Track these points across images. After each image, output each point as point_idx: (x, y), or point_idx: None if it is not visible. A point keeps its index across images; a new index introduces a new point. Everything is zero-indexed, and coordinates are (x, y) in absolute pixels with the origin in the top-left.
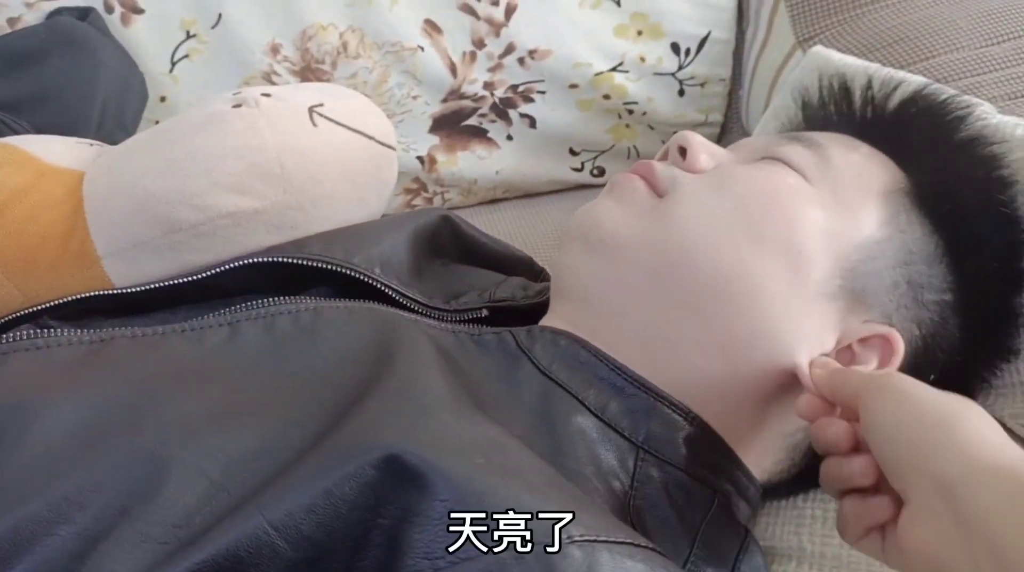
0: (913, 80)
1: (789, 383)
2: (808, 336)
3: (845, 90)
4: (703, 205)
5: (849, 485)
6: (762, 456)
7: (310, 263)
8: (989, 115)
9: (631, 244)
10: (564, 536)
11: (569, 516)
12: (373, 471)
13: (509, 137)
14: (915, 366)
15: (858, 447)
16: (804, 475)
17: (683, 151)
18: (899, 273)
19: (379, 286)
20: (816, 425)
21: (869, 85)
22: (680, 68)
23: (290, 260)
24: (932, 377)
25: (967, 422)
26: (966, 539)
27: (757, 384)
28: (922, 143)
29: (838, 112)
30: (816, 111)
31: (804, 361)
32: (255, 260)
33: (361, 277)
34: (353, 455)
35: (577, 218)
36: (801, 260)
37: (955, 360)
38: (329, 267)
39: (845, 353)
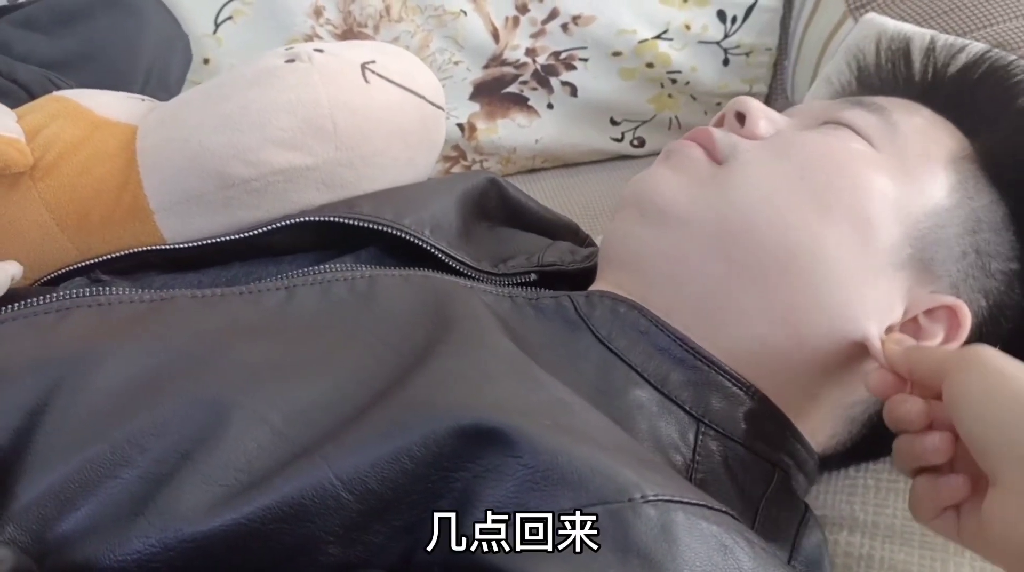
0: (975, 45)
1: (852, 355)
2: (876, 306)
3: (905, 53)
4: (765, 172)
5: (922, 463)
6: (819, 427)
7: (361, 223)
8: None
9: (690, 215)
10: (638, 495)
11: (641, 475)
12: (447, 437)
13: (550, 105)
14: (980, 336)
15: (932, 424)
16: (859, 448)
17: (740, 117)
18: (967, 241)
19: (428, 248)
20: (891, 401)
21: (931, 48)
22: (726, 36)
23: (342, 220)
24: (997, 347)
25: None
26: None
27: (821, 355)
28: (986, 108)
29: (896, 76)
30: (873, 75)
31: (873, 332)
32: (307, 219)
33: (411, 239)
34: (423, 417)
35: (633, 186)
36: (869, 228)
37: (1021, 329)
38: (380, 228)
39: (910, 326)
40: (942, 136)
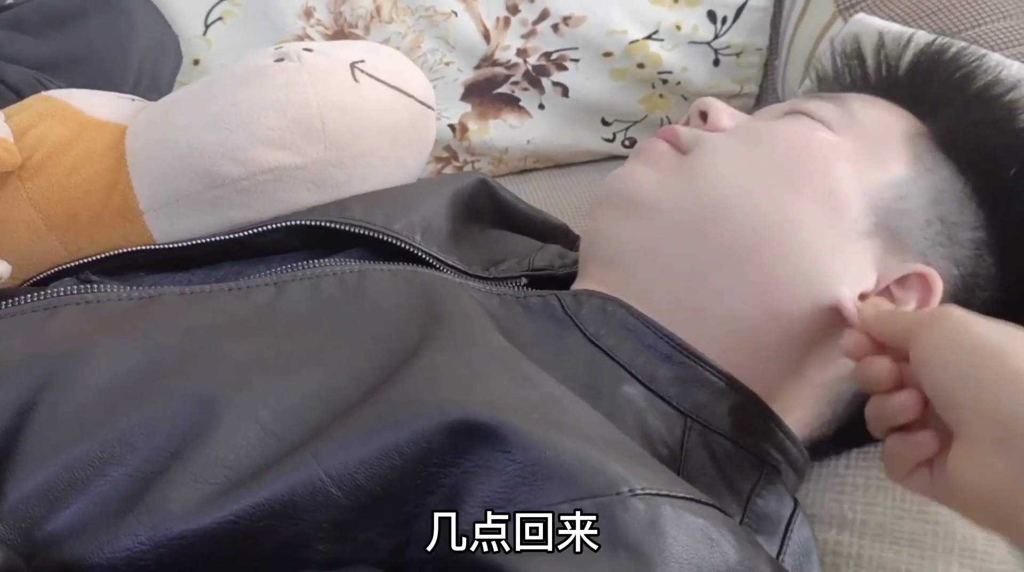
0: (919, 36)
1: (829, 327)
2: (847, 273)
3: (858, 54)
4: (729, 155)
5: (893, 422)
6: (804, 410)
7: (352, 229)
8: None
9: (660, 202)
10: (626, 488)
11: (630, 469)
12: (436, 434)
13: (541, 106)
14: (956, 305)
15: (902, 385)
16: (845, 432)
17: (704, 115)
18: (931, 211)
19: (419, 253)
20: (862, 363)
21: (881, 44)
22: (716, 37)
23: (332, 224)
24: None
25: (1022, 354)
26: (1023, 473)
27: (799, 327)
28: (938, 95)
29: (852, 77)
30: (832, 80)
31: (845, 295)
32: (298, 222)
33: (402, 245)
34: (413, 414)
35: (605, 183)
36: (833, 199)
37: (997, 297)
38: (371, 234)
39: (884, 296)
40: (897, 120)
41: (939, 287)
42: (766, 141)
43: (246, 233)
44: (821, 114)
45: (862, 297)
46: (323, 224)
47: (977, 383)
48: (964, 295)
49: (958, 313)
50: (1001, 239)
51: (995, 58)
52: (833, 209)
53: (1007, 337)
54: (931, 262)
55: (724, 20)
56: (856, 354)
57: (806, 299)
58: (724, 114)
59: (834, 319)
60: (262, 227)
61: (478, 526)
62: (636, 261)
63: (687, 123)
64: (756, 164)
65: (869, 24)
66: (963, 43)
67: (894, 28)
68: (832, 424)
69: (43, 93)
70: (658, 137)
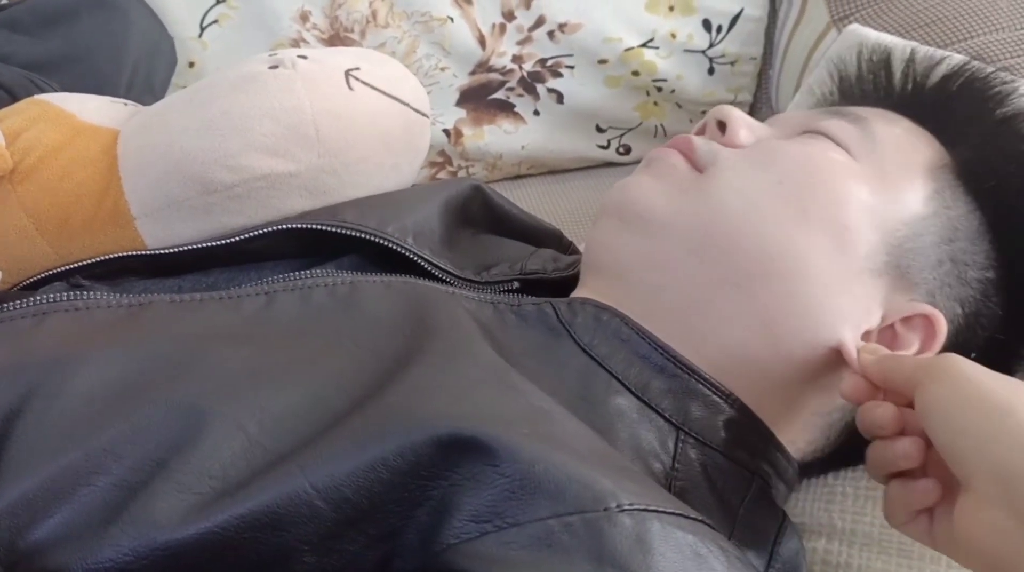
0: (954, 56)
1: (830, 361)
2: (853, 312)
3: (885, 64)
4: (745, 180)
5: (894, 468)
6: (798, 435)
7: (344, 231)
8: None
9: (671, 221)
10: (614, 504)
11: (618, 484)
12: (424, 447)
13: (536, 112)
14: (956, 344)
15: (904, 431)
16: (837, 454)
17: (721, 126)
18: (943, 250)
19: (411, 256)
20: (864, 407)
21: (911, 59)
22: (711, 46)
23: (324, 227)
24: (973, 355)
25: None
26: None
27: (799, 361)
28: (964, 119)
29: (876, 86)
30: (854, 85)
31: (849, 338)
32: (290, 226)
33: (395, 247)
34: (401, 427)
35: (613, 194)
36: (847, 235)
37: (997, 338)
38: (363, 236)
39: (887, 333)
40: (920, 146)
41: (944, 330)
42: (781, 165)
43: (237, 238)
44: (840, 136)
45: (865, 334)
46: (315, 227)
47: (984, 438)
48: (966, 334)
49: (964, 364)
50: (1011, 278)
51: None
52: (845, 244)
53: (1012, 391)
54: (937, 302)
55: (719, 29)
56: (857, 399)
57: (809, 336)
58: (743, 127)
59: (835, 356)
60: (254, 232)
61: (464, 538)
62: (640, 277)
63: (702, 131)
64: (769, 191)
65: (863, 35)
66: (995, 67)
67: (887, 39)
68: (824, 450)
69: (36, 97)
70: (672, 147)
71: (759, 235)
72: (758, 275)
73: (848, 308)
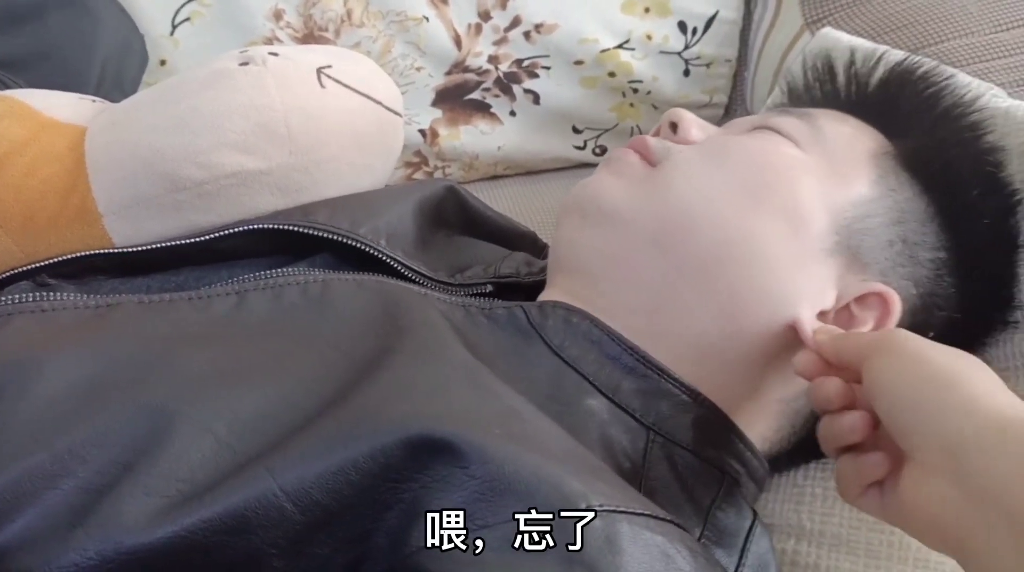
0: (891, 55)
1: (789, 344)
2: (808, 291)
3: (829, 68)
4: (697, 169)
5: (842, 441)
6: (764, 424)
7: (317, 233)
8: (1000, 99)
9: (629, 213)
10: (583, 505)
11: (588, 485)
12: (395, 449)
13: (512, 113)
14: (913, 324)
15: (853, 406)
16: (804, 445)
17: (674, 126)
18: (893, 231)
19: (384, 258)
20: (814, 382)
21: (852, 61)
22: (686, 47)
23: (296, 228)
24: (931, 334)
25: (972, 380)
26: (974, 500)
27: (760, 343)
28: (907, 113)
29: (824, 92)
30: (802, 93)
31: (804, 316)
32: (261, 226)
33: (367, 249)
34: (371, 429)
35: (574, 192)
36: (797, 217)
37: (954, 318)
38: (335, 238)
39: (843, 314)
40: (865, 138)
41: (897, 308)
42: (733, 156)
43: (208, 237)
44: (788, 130)
45: (822, 314)
46: (287, 228)
47: (928, 410)
48: (922, 315)
49: (909, 338)
50: (961, 260)
51: (963, 79)
52: (797, 226)
53: (957, 364)
54: (891, 281)
55: (694, 31)
56: (808, 374)
57: (767, 316)
58: (694, 126)
59: (793, 337)
60: (224, 231)
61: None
62: (602, 270)
63: (657, 133)
64: (722, 179)
65: (835, 38)
66: (933, 62)
67: (859, 42)
68: (791, 439)
69: (1, 93)
70: (628, 147)
71: (713, 221)
72: (714, 260)
73: (802, 287)
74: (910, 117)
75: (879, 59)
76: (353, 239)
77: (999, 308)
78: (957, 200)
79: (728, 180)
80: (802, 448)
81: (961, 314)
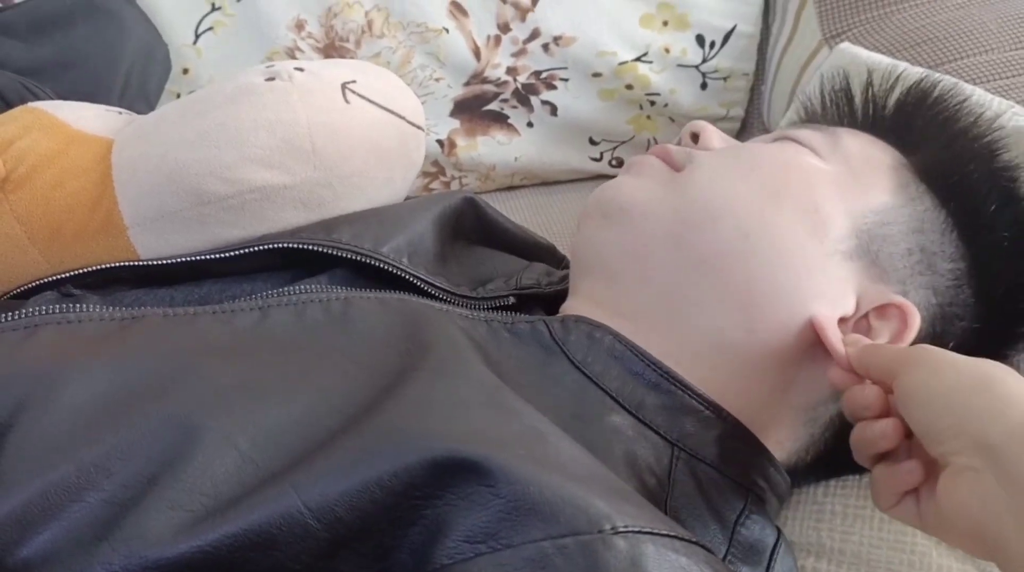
0: (909, 73)
1: (807, 348)
2: (826, 292)
3: (845, 89)
4: (719, 168)
5: (875, 449)
6: (782, 432)
7: (339, 253)
8: (1021, 116)
9: (649, 209)
10: (608, 526)
11: (613, 506)
12: (419, 468)
13: (530, 124)
14: (934, 333)
15: (887, 414)
16: (825, 457)
17: (695, 137)
18: (912, 240)
19: (406, 277)
20: (850, 391)
21: (869, 82)
22: (704, 61)
23: (319, 248)
24: (951, 345)
25: (1006, 381)
26: (1011, 496)
27: (777, 342)
28: (923, 133)
29: (840, 114)
30: (819, 116)
31: (823, 314)
32: (284, 245)
33: (390, 269)
34: (395, 447)
35: (594, 195)
36: (817, 217)
37: (973, 327)
38: (359, 259)
39: (861, 324)
40: (882, 152)
41: (916, 321)
42: (755, 159)
43: (231, 253)
44: (809, 141)
45: (842, 321)
46: (308, 247)
47: (963, 413)
48: (942, 325)
49: (938, 352)
50: (980, 271)
51: (979, 97)
52: (816, 225)
53: (988, 368)
54: (910, 291)
55: (712, 45)
56: (842, 384)
57: (784, 311)
58: (715, 137)
59: (811, 337)
60: (247, 249)
61: (458, 559)
62: (621, 267)
63: (679, 144)
64: (743, 178)
65: (853, 54)
66: (950, 81)
67: (877, 58)
68: (809, 448)
69: (30, 104)
70: (651, 154)
71: (733, 218)
72: (733, 256)
73: (820, 286)
74: (926, 136)
75: (896, 80)
76: (376, 259)
77: (1019, 320)
78: (974, 214)
79: (749, 179)
80: (820, 463)
81: (980, 323)
